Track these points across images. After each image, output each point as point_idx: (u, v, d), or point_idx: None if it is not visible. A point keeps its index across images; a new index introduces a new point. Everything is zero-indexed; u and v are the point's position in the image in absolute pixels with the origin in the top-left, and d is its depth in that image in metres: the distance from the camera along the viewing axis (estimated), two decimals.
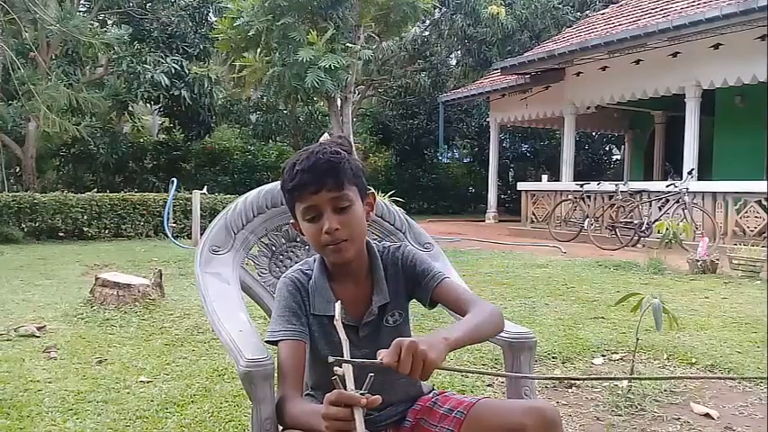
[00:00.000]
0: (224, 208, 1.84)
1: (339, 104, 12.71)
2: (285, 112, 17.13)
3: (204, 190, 10.93)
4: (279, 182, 1.88)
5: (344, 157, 1.37)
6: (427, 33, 19.22)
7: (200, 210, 9.91)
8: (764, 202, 8.75)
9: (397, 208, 1.95)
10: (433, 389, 1.54)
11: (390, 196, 8.54)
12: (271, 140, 18.48)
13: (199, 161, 17.01)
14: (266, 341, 1.39)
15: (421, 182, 18.78)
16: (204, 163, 17.02)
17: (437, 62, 18.54)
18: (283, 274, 1.47)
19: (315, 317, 1.41)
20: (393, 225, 1.91)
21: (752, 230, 8.77)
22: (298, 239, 1.88)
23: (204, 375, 3.15)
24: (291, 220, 1.46)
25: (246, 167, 17.30)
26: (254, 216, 1.84)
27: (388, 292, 1.45)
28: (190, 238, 9.99)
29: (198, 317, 4.37)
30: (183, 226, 10.99)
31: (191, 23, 15.26)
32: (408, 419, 1.47)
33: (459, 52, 19.10)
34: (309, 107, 15.93)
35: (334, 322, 1.16)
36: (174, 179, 10.89)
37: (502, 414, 1.33)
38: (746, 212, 8.95)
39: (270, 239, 1.86)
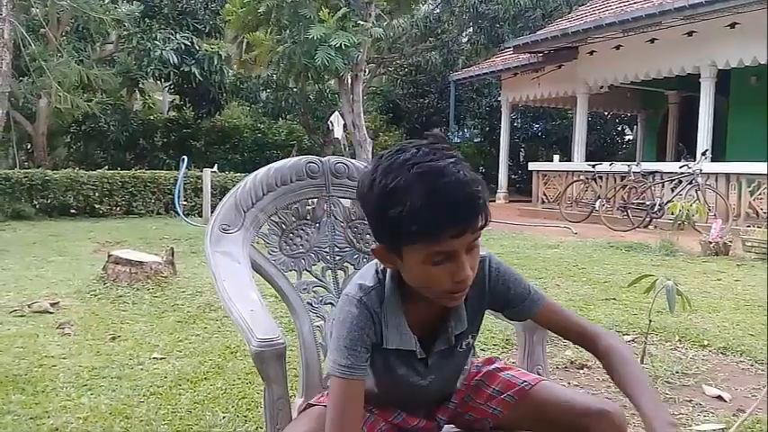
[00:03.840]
0: (234, 186, 1.83)
1: (349, 83, 12.63)
2: (295, 90, 17.04)
3: (214, 168, 10.95)
4: (288, 159, 1.86)
5: (482, 185, 1.08)
6: (438, 11, 19.02)
7: (211, 188, 9.92)
8: None
9: None
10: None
11: None
12: (281, 119, 18.42)
13: (209, 139, 17.01)
14: (331, 374, 1.17)
15: None
16: (214, 141, 17.01)
17: (448, 40, 18.35)
18: (351, 293, 1.19)
19: (384, 350, 1.20)
20: None
21: (765, 212, 8.69)
22: (308, 217, 1.87)
23: (216, 353, 3.16)
24: (374, 246, 1.15)
25: (256, 146, 17.27)
26: (263, 194, 1.83)
27: (467, 317, 1.24)
28: (200, 216, 10.03)
29: (210, 294, 4.38)
30: (193, 204, 11.02)
31: (201, 0, 15.17)
32: (453, 401, 1.35)
33: (470, 30, 18.89)
34: (319, 85, 15.84)
35: None
36: (185, 157, 10.90)
37: (563, 407, 1.22)
38: (760, 194, 8.87)
39: (280, 218, 1.84)
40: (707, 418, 2.43)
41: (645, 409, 1.11)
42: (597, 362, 3.05)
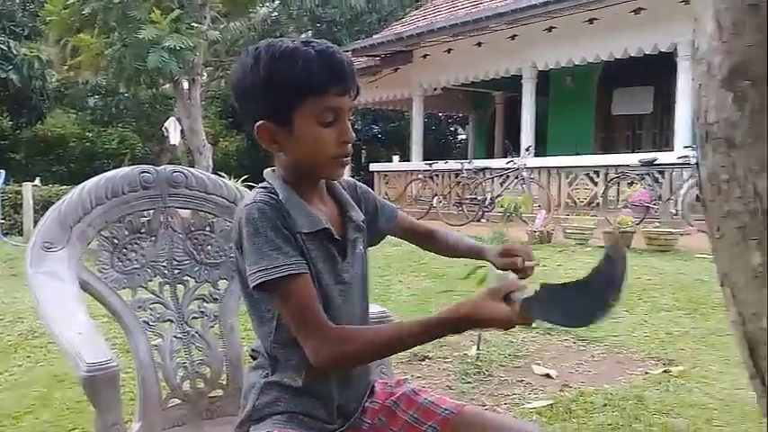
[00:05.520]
0: (60, 200, 1.71)
1: (186, 87, 12.22)
2: (127, 95, 16.16)
3: (37, 181, 10.16)
4: (120, 169, 1.76)
5: None
6: (276, 14, 18.91)
7: (33, 203, 9.19)
8: (593, 175, 9.58)
9: (238, 184, 1.90)
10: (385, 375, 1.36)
11: (243, 181, 8.35)
12: (111, 126, 17.42)
13: (30, 150, 15.72)
14: (261, 282, 1.08)
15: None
16: (36, 152, 15.75)
17: None
18: (243, 205, 1.16)
19: (306, 235, 1.15)
20: (233, 202, 1.82)
21: (582, 201, 9.57)
22: (143, 230, 1.79)
23: (42, 383, 2.92)
24: (260, 123, 1.15)
25: (85, 156, 16.22)
26: (92, 207, 1.72)
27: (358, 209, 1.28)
28: (21, 235, 9.24)
29: (33, 320, 4.03)
30: (12, 222, 10.12)
31: (18, 1, 13.99)
32: (366, 420, 1.26)
33: (309, 33, 18.99)
34: (153, 90, 15.16)
35: None
36: (2, 171, 10.03)
37: None
38: (577, 185, 9.75)
39: (111, 232, 1.75)
40: (537, 395, 2.64)
41: (482, 247, 1.45)
42: (438, 352, 3.20)
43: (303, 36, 18.94)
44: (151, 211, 1.71)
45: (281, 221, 1.12)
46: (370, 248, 1.34)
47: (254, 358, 1.25)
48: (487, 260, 1.39)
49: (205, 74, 16.78)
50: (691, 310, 3.93)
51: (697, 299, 4.17)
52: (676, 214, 8.01)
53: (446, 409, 1.22)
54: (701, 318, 3.75)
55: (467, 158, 13.21)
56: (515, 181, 9.65)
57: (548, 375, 2.86)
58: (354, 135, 1.18)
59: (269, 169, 1.23)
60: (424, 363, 3.08)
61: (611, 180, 9.13)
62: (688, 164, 8.08)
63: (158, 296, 1.66)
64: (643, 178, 8.53)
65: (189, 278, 1.71)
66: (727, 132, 1.29)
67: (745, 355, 1.31)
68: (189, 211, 1.74)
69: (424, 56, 12.44)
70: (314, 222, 1.16)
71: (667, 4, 8.41)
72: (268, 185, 1.20)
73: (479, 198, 10.11)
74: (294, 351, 1.14)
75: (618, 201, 8.89)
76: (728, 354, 3.00)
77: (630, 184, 8.68)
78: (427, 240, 1.49)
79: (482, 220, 9.86)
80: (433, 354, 3.17)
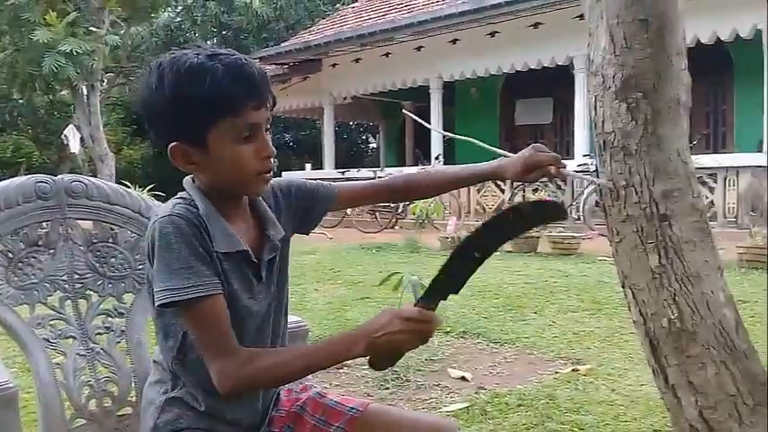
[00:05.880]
0: None
1: (85, 93, 11.72)
2: (21, 101, 15.30)
3: None
4: (13, 179, 1.67)
5: None
6: (180, 19, 18.44)
7: None
8: (499, 182, 9.89)
9: (144, 194, 1.84)
10: None
11: (150, 191, 8.07)
12: (5, 134, 16.45)
13: None
14: (168, 303, 1.04)
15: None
16: None
17: None
18: (159, 216, 1.08)
19: (224, 254, 1.09)
20: (138, 212, 1.75)
21: (490, 207, 9.88)
22: (40, 243, 1.69)
23: None
24: (173, 144, 1.09)
25: None
26: None
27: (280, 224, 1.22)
28: None
29: None
30: None
31: None
32: (273, 430, 1.23)
33: (215, 40, 18.64)
34: (50, 96, 14.42)
35: None
36: None
37: (394, 430, 1.20)
38: (485, 192, 10.05)
39: (5, 245, 1.64)
40: (453, 399, 2.69)
41: (487, 166, 1.38)
42: (356, 361, 3.20)
43: (209, 45, 18.63)
44: (49, 223, 1.62)
45: (197, 238, 1.06)
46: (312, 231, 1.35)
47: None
48: (507, 179, 1.34)
49: (105, 80, 16.14)
50: (595, 311, 4.12)
51: (600, 300, 4.38)
52: (578, 219, 8.39)
53: (352, 408, 1.21)
54: (605, 317, 3.93)
55: (379, 166, 13.34)
56: None
57: (463, 378, 2.92)
58: (275, 149, 1.13)
59: (188, 178, 1.17)
60: (342, 371, 3.07)
61: (517, 187, 9.46)
62: (587, 171, 8.50)
63: (59, 312, 1.58)
64: (546, 185, 8.88)
65: (92, 292, 1.63)
66: (622, 141, 1.38)
67: (647, 352, 1.39)
68: (90, 222, 1.67)
69: (333, 65, 12.48)
70: (232, 243, 1.10)
71: (563, 19, 8.82)
72: (187, 197, 1.13)
73: (392, 206, 10.21)
74: (195, 371, 1.11)
75: None
76: (631, 351, 3.16)
77: (535, 190, 9.03)
78: (397, 193, 1.42)
79: (396, 227, 9.97)
80: (351, 362, 3.17)
